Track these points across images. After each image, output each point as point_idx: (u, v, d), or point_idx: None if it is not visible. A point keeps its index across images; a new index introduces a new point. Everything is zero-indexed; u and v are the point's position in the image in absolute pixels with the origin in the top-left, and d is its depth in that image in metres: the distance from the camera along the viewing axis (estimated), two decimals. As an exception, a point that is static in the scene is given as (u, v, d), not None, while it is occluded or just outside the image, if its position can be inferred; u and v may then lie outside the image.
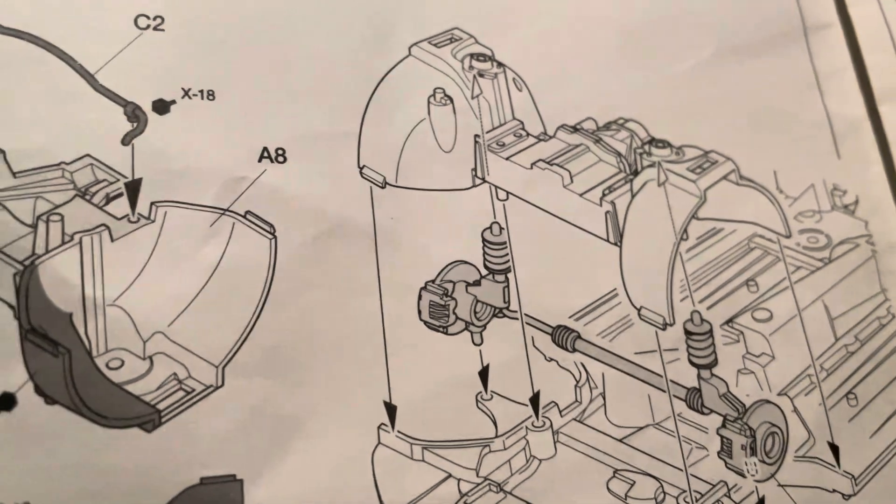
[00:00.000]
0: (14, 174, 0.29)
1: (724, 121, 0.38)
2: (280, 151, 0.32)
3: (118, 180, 0.30)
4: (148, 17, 0.32)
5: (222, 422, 0.29)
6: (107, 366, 0.29)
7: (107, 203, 0.30)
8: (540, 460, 0.32)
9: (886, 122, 0.39)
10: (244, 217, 0.31)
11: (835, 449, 0.34)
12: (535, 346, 0.33)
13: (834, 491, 0.34)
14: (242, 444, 0.29)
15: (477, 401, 0.32)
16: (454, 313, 0.33)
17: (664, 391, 0.33)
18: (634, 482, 0.32)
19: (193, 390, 0.29)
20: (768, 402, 0.34)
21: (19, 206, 0.29)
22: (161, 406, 0.29)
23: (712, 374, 0.34)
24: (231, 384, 0.29)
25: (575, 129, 0.37)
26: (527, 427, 0.32)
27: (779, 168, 0.38)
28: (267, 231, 0.31)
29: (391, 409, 0.31)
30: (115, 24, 0.32)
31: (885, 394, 0.35)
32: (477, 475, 0.31)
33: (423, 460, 0.30)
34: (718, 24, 0.40)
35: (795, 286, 0.36)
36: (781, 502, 0.33)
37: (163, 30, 0.32)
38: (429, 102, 0.35)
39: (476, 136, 0.35)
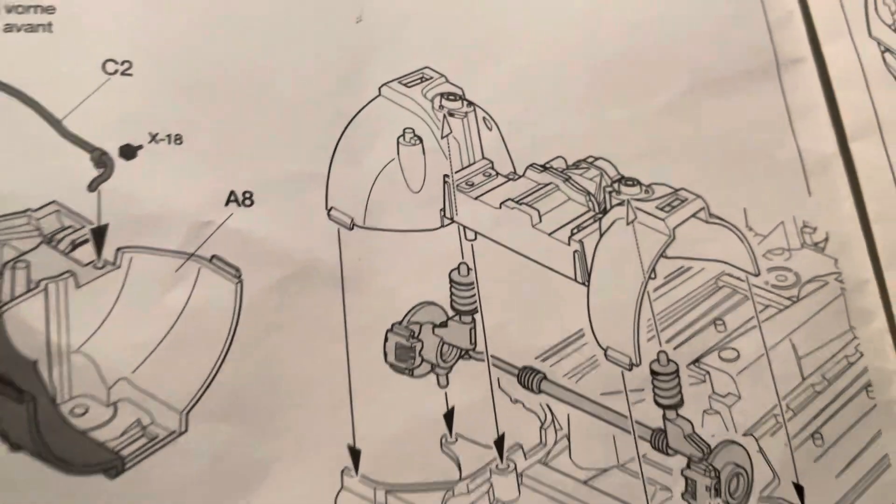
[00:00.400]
0: (-20, 221, 0.30)
1: (695, 158, 0.39)
2: (247, 194, 0.33)
3: (84, 226, 0.31)
4: (116, 62, 0.33)
5: (186, 468, 0.29)
6: (71, 412, 0.29)
7: (73, 249, 0.30)
8: (504, 503, 0.32)
9: (857, 158, 0.39)
10: (210, 261, 0.31)
11: (800, 489, 0.34)
12: (500, 387, 0.33)
13: (798, 532, 0.34)
14: (206, 490, 0.29)
15: (441, 443, 0.32)
16: (420, 355, 0.33)
17: (629, 432, 0.34)
18: (598, 525, 0.32)
19: (157, 436, 0.29)
20: (734, 442, 0.34)
21: (-15, 253, 0.29)
22: (124, 453, 0.29)
23: (678, 415, 0.34)
24: (195, 430, 0.30)
25: (544, 167, 0.37)
26: (491, 469, 0.32)
27: (749, 205, 0.38)
28: (233, 275, 0.31)
29: (355, 454, 0.31)
30: (83, 69, 0.32)
31: (851, 433, 0.36)
32: (440, 519, 0.31)
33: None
34: (691, 59, 0.40)
35: (763, 325, 0.36)
36: (745, 544, 0.33)
37: (130, 74, 0.33)
38: (398, 142, 0.35)
39: (445, 175, 0.36)
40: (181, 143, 0.32)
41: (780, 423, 0.35)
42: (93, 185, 0.31)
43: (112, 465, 0.29)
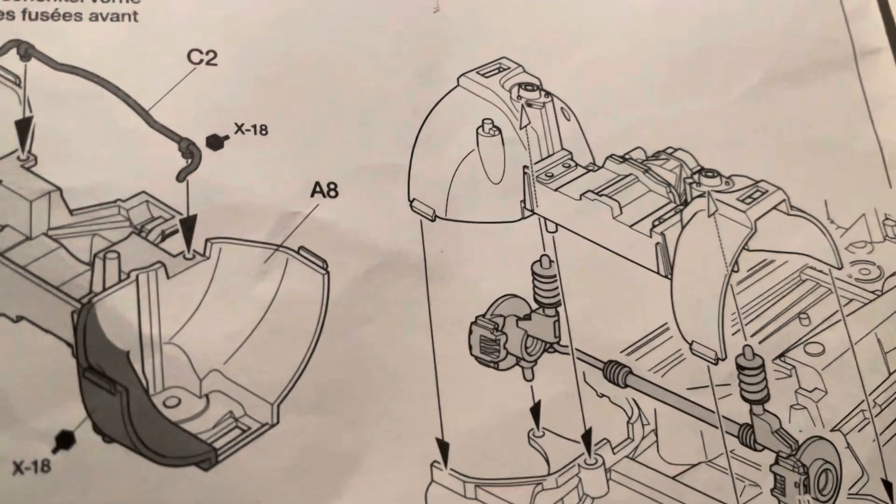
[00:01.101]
0: (71, 212, 0.30)
1: (773, 149, 0.38)
2: (332, 186, 0.32)
3: (173, 217, 0.30)
4: (201, 52, 0.32)
5: (278, 460, 0.29)
6: (164, 404, 0.29)
7: (162, 240, 0.30)
8: (593, 498, 0.31)
9: (939, 150, 0.39)
10: (297, 253, 0.31)
11: (888, 486, 0.34)
12: (586, 381, 0.33)
13: (888, 529, 0.33)
14: (298, 482, 0.29)
15: (529, 438, 0.32)
16: (505, 348, 0.32)
17: (716, 427, 0.33)
18: (688, 520, 0.32)
19: (249, 428, 0.29)
20: (821, 438, 0.34)
21: (76, 243, 0.29)
22: (217, 444, 0.29)
23: (765, 410, 0.33)
24: (286, 421, 0.29)
25: (624, 158, 0.36)
26: (579, 464, 0.32)
27: (829, 197, 0.38)
28: (320, 266, 0.31)
29: (444, 447, 0.31)
30: (169, 59, 0.32)
31: (939, 430, 0.35)
32: (530, 513, 0.31)
33: (475, 499, 0.30)
34: (767, 51, 0.39)
35: (848, 319, 0.36)
36: (836, 541, 0.33)
37: (215, 64, 0.32)
38: (477, 133, 0.35)
39: (525, 167, 0.35)
40: (266, 133, 0.32)
41: (867, 419, 0.34)
42: (181, 176, 0.31)
43: (206, 456, 0.29)
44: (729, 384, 0.34)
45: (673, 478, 0.32)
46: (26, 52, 0.31)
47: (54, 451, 0.28)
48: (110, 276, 0.29)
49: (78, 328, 0.28)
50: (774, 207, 0.37)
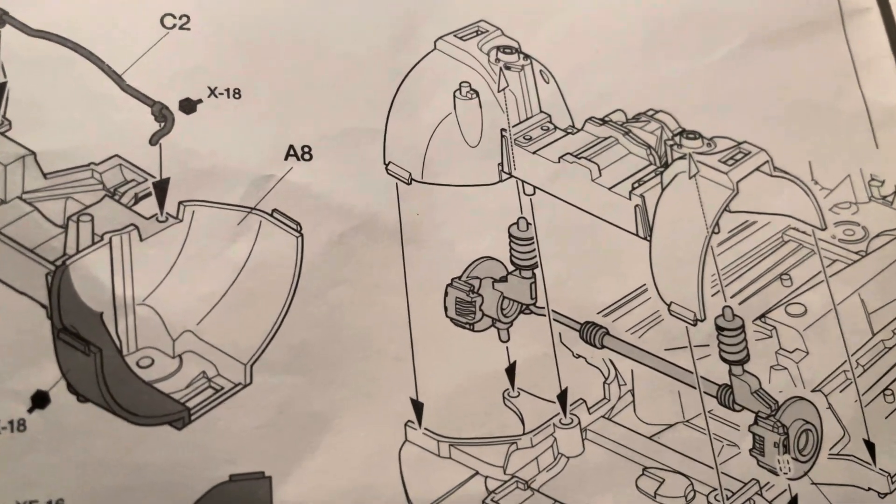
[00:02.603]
0: (45, 175, 0.30)
1: (757, 111, 0.38)
2: (306, 149, 0.32)
3: (146, 180, 0.30)
4: (174, 17, 0.32)
5: (251, 419, 0.29)
6: (137, 364, 0.29)
7: (135, 203, 0.30)
8: (568, 458, 0.31)
9: (927, 109, 0.38)
10: (271, 215, 0.31)
11: (871, 446, 0.33)
12: (562, 342, 0.33)
13: (869, 489, 0.33)
14: (271, 442, 0.29)
15: (504, 398, 0.32)
16: (481, 310, 0.32)
17: (695, 388, 0.33)
18: (664, 480, 0.31)
19: (222, 388, 0.29)
20: (802, 398, 0.33)
21: (50, 206, 0.30)
22: (190, 404, 0.29)
23: (744, 371, 0.33)
24: (259, 382, 0.30)
25: (603, 121, 0.36)
26: (554, 424, 0.32)
27: (814, 158, 0.37)
28: (293, 229, 0.31)
29: (418, 407, 0.31)
30: (142, 24, 0.32)
31: (923, 390, 0.35)
32: (504, 472, 0.31)
33: (450, 457, 0.30)
34: (751, 11, 0.39)
35: (831, 280, 0.35)
36: (815, 501, 0.32)
37: (188, 29, 0.32)
38: (455, 97, 0.35)
39: (503, 130, 0.35)
40: (240, 97, 0.32)
41: (849, 380, 0.34)
42: (153, 139, 0.31)
43: (179, 416, 0.29)
44: (708, 345, 0.33)
45: (649, 438, 0.32)
46: (0, 18, 0.31)
47: (30, 410, 0.28)
48: (84, 239, 0.29)
49: (52, 290, 0.29)
50: (757, 169, 0.36)
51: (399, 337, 0.31)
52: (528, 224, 0.34)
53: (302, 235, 0.31)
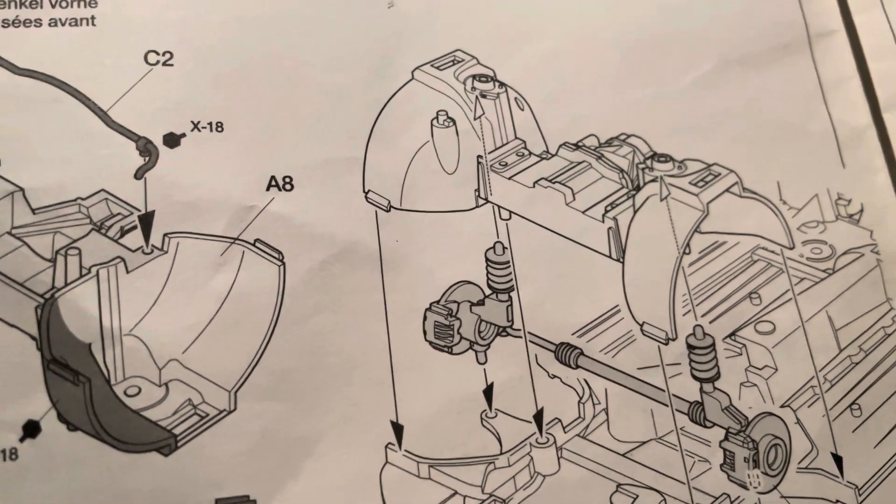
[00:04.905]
0: (33, 211, 0.31)
1: (727, 133, 0.39)
2: (287, 179, 0.33)
3: (132, 213, 0.31)
4: (157, 53, 0.33)
5: (235, 445, 0.30)
6: (125, 393, 0.30)
7: (121, 236, 0.31)
8: (544, 476, 0.32)
9: (891, 129, 0.39)
10: (253, 245, 0.32)
11: (838, 460, 0.35)
12: (538, 363, 0.34)
13: (837, 502, 0.34)
14: (255, 466, 0.30)
15: (482, 419, 0.33)
16: (458, 333, 0.33)
17: (667, 405, 0.34)
18: (637, 496, 0.33)
19: (207, 415, 0.30)
20: (771, 414, 0.34)
21: (39, 241, 0.31)
22: (177, 431, 0.30)
23: (715, 388, 0.34)
24: (243, 408, 0.31)
25: (577, 146, 0.37)
26: (531, 444, 0.33)
27: (782, 179, 0.38)
28: (275, 258, 0.32)
29: (398, 429, 0.32)
30: (126, 61, 0.33)
31: (889, 403, 0.36)
32: (482, 492, 0.32)
33: (429, 478, 0.31)
34: (720, 36, 0.40)
35: (799, 298, 0.37)
36: (784, 513, 0.33)
37: (172, 65, 0.33)
38: (432, 125, 0.36)
39: (479, 156, 0.36)
40: (222, 130, 0.33)
41: (817, 395, 0.35)
42: (139, 174, 0.32)
43: (166, 442, 0.30)
44: (679, 363, 0.35)
45: (623, 455, 0.33)
46: (-12, 58, 0.32)
47: (21, 439, 0.29)
48: (72, 272, 0.30)
49: (42, 322, 0.30)
50: (727, 190, 0.37)
51: (379, 361, 0.32)
52: (504, 248, 0.35)
53: (284, 264, 0.32)
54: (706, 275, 0.36)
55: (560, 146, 0.37)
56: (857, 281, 0.37)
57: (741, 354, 0.35)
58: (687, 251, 0.36)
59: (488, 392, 0.33)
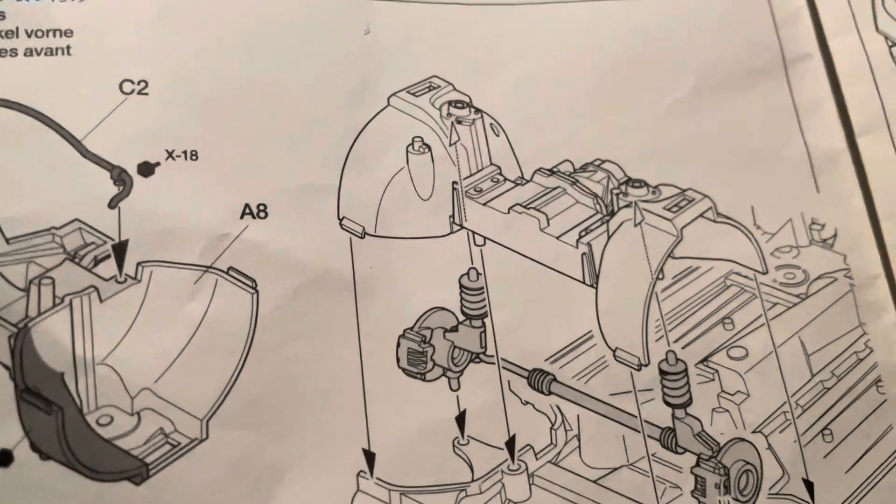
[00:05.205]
0: (7, 240, 0.31)
1: (701, 158, 0.39)
2: (262, 207, 0.34)
3: (105, 242, 0.32)
4: (132, 82, 0.34)
5: (207, 473, 0.30)
6: (97, 422, 0.30)
7: (95, 265, 0.31)
8: (515, 503, 0.33)
9: (865, 154, 0.40)
10: (227, 273, 0.32)
11: (809, 486, 0.35)
12: (511, 390, 0.34)
13: (808, 527, 0.34)
14: (227, 495, 0.30)
15: (454, 446, 0.33)
16: (432, 360, 0.34)
17: (638, 431, 0.34)
18: (608, 523, 0.33)
19: (179, 444, 0.31)
20: (742, 440, 0.35)
21: (12, 270, 0.31)
22: (149, 460, 0.30)
23: (687, 414, 0.35)
24: (215, 436, 0.31)
25: (552, 171, 0.37)
26: (503, 471, 0.33)
27: (757, 203, 0.39)
28: (249, 286, 0.33)
29: (370, 457, 0.32)
30: (101, 90, 0.33)
31: (860, 429, 0.36)
32: (453, 519, 0.32)
33: (400, 506, 0.32)
34: (696, 60, 0.40)
35: (772, 323, 0.37)
36: (755, 539, 0.34)
37: (147, 94, 0.34)
38: (407, 151, 0.36)
39: (454, 182, 0.36)
40: (197, 158, 0.33)
41: (789, 420, 0.36)
42: (112, 203, 0.32)
43: (137, 471, 0.30)
44: (651, 389, 0.35)
45: (594, 481, 0.33)
46: (-37, 87, 0.32)
47: (-6, 468, 0.29)
48: (45, 301, 0.31)
49: (15, 351, 0.30)
50: (701, 215, 0.38)
51: (352, 389, 0.33)
52: (478, 274, 0.35)
53: (257, 292, 0.33)
54: (679, 300, 0.37)
55: (535, 172, 0.37)
56: (830, 306, 0.38)
57: (713, 380, 0.35)
58: (660, 276, 0.37)
59: (461, 419, 0.33)
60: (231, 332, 0.32)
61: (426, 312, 0.34)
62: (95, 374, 0.30)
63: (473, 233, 0.36)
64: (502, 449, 0.33)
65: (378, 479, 0.32)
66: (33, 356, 0.30)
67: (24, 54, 0.33)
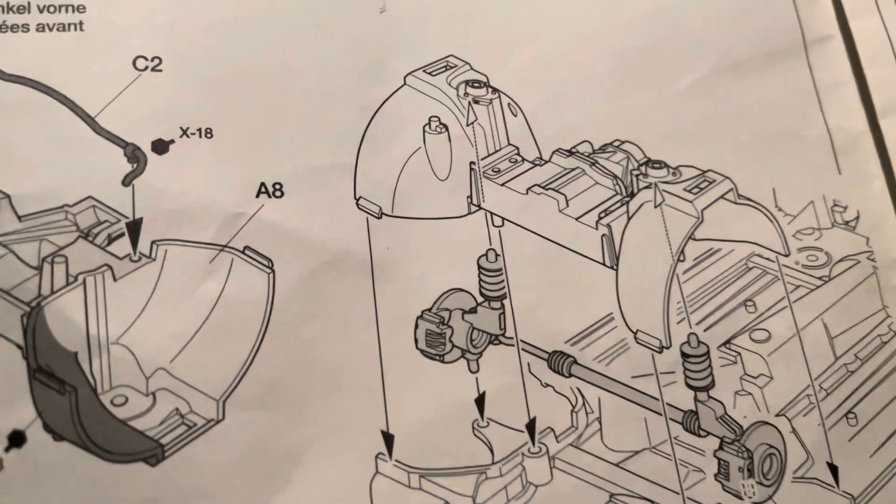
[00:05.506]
0: (20, 218, 0.30)
1: (722, 139, 0.38)
2: (277, 186, 0.33)
3: (119, 220, 0.31)
4: (146, 59, 0.33)
5: (224, 455, 0.30)
6: (111, 402, 0.30)
7: (109, 243, 0.31)
8: (536, 486, 0.32)
9: (888, 135, 0.39)
10: (242, 252, 0.32)
11: (834, 469, 0.34)
12: (531, 372, 0.33)
13: (833, 512, 0.34)
14: (244, 477, 0.30)
15: (473, 428, 0.32)
16: (450, 341, 0.33)
17: (660, 414, 0.34)
18: (631, 506, 0.32)
19: (195, 424, 0.30)
20: (766, 423, 0.34)
21: (25, 248, 0.30)
22: (164, 441, 0.30)
23: (709, 397, 0.34)
24: (232, 417, 0.30)
25: (571, 152, 0.37)
26: (523, 453, 0.32)
27: (778, 185, 0.38)
28: (265, 265, 0.32)
29: (388, 439, 0.31)
30: (114, 66, 0.33)
31: (885, 412, 0.35)
32: (473, 502, 0.31)
33: (420, 488, 0.31)
34: (715, 41, 0.40)
35: (794, 305, 0.36)
36: (779, 524, 0.33)
37: (160, 70, 0.33)
38: (424, 131, 0.36)
39: (471, 163, 0.36)
40: (211, 136, 0.33)
41: (812, 404, 0.35)
42: (126, 180, 0.32)
43: (153, 452, 0.29)
44: (673, 372, 0.34)
45: (616, 465, 0.33)
46: (-25, 63, 0.32)
47: (6, 449, 0.28)
48: (58, 280, 0.30)
49: (27, 331, 0.29)
50: (722, 197, 0.37)
51: (370, 370, 0.32)
52: (496, 255, 0.35)
53: (273, 272, 0.32)
54: (701, 282, 0.36)
55: (553, 152, 0.37)
56: (854, 288, 0.37)
57: (736, 363, 0.35)
58: (681, 258, 0.36)
59: (480, 401, 0.33)
60: (247, 312, 0.31)
61: (444, 294, 0.34)
62: (110, 354, 0.30)
63: (492, 213, 0.35)
64: (522, 431, 0.33)
65: (397, 461, 0.31)
66: (46, 335, 0.29)
67: (37, 30, 0.32)
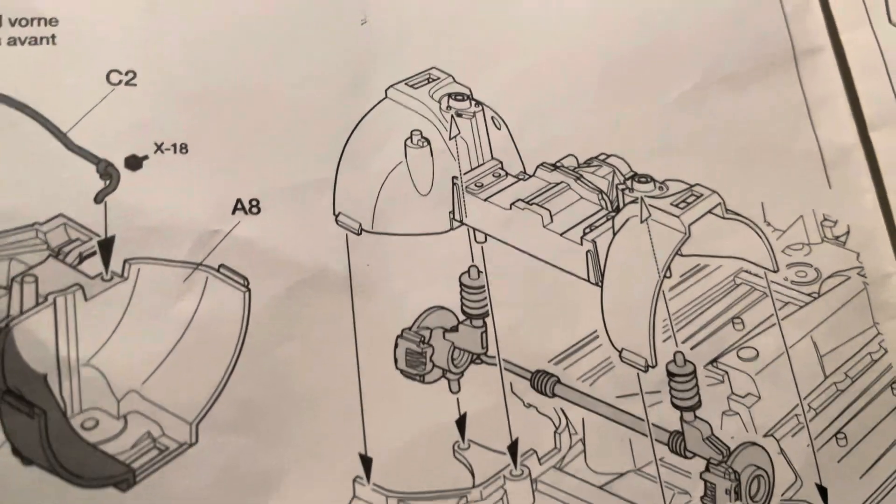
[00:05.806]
0: (-12, 236, 0.30)
1: (710, 153, 0.38)
2: (254, 202, 0.32)
3: (91, 238, 0.30)
4: (120, 73, 0.32)
5: (197, 480, 0.29)
6: (81, 426, 0.29)
7: (80, 262, 0.30)
8: (518, 510, 0.31)
9: (878, 149, 0.38)
10: (217, 271, 0.31)
11: (823, 491, 0.34)
12: (513, 392, 0.33)
13: (822, 535, 0.33)
14: (218, 502, 0.29)
15: (454, 450, 0.32)
16: (431, 361, 0.32)
17: (646, 435, 0.33)
18: (615, 530, 0.32)
19: (167, 448, 0.29)
20: (754, 444, 0.33)
21: (-6, 268, 0.29)
22: (135, 465, 0.29)
23: (696, 417, 0.33)
24: (205, 441, 0.30)
25: (555, 166, 0.36)
26: (505, 476, 0.32)
27: (767, 199, 0.37)
28: (240, 284, 0.31)
29: (367, 462, 0.31)
30: (88, 81, 0.32)
31: (875, 432, 0.35)
32: (453, 527, 0.31)
33: (398, 513, 0.30)
34: (704, 53, 0.39)
35: (783, 323, 0.36)
36: (767, 548, 0.32)
37: (135, 84, 0.32)
38: (406, 145, 0.35)
39: (454, 177, 0.35)
40: (186, 152, 0.32)
41: (801, 424, 0.34)
42: (99, 197, 0.31)
43: (123, 477, 0.29)
44: (659, 391, 0.34)
45: (600, 487, 0.32)
46: (-56, 78, 0.31)
47: (-27, 474, 0.28)
48: (28, 300, 0.29)
49: (-5, 352, 0.29)
50: (709, 211, 0.36)
51: (348, 391, 0.31)
52: (479, 272, 0.34)
53: (249, 290, 0.31)
54: (687, 299, 0.35)
55: (538, 166, 0.36)
56: (844, 305, 0.36)
57: (723, 382, 0.34)
58: (668, 275, 0.35)
59: (461, 422, 0.32)
60: (222, 332, 0.31)
61: (425, 312, 0.33)
62: (80, 376, 0.29)
63: (474, 229, 0.35)
64: (504, 453, 0.32)
65: (375, 485, 0.30)
66: (15, 357, 0.29)
67: (7, 43, 0.32)
